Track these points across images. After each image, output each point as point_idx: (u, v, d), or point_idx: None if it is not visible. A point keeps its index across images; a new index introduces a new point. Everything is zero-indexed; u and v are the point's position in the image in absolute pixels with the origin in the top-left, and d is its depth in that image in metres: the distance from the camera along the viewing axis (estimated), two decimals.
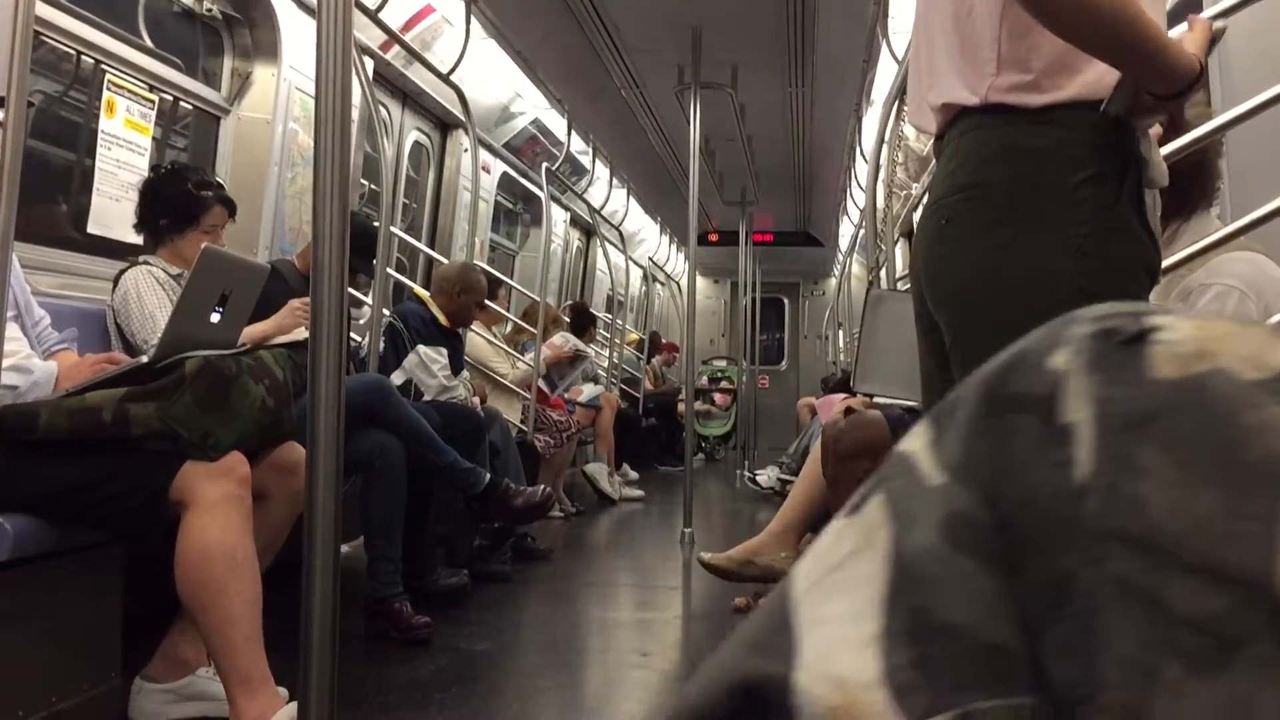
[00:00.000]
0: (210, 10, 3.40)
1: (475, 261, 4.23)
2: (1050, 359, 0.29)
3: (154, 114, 3.09)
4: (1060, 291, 1.07)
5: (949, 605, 0.28)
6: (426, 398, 3.26)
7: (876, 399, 2.51)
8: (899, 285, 3.12)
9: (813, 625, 0.29)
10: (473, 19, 4.02)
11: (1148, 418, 0.27)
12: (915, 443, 0.31)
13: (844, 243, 8.19)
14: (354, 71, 1.38)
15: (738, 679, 0.29)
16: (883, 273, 3.29)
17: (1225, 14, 1.68)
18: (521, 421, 4.41)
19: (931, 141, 1.29)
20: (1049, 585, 0.27)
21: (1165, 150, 1.39)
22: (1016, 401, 0.29)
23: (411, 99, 4.89)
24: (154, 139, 3.11)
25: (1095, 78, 1.09)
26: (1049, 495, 0.28)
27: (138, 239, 2.56)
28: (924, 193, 2.88)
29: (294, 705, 1.52)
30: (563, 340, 5.42)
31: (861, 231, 5.60)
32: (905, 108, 3.09)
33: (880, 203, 3.56)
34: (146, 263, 2.40)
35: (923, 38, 1.29)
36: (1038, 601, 0.27)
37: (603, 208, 7.00)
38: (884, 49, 3.65)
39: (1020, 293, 1.09)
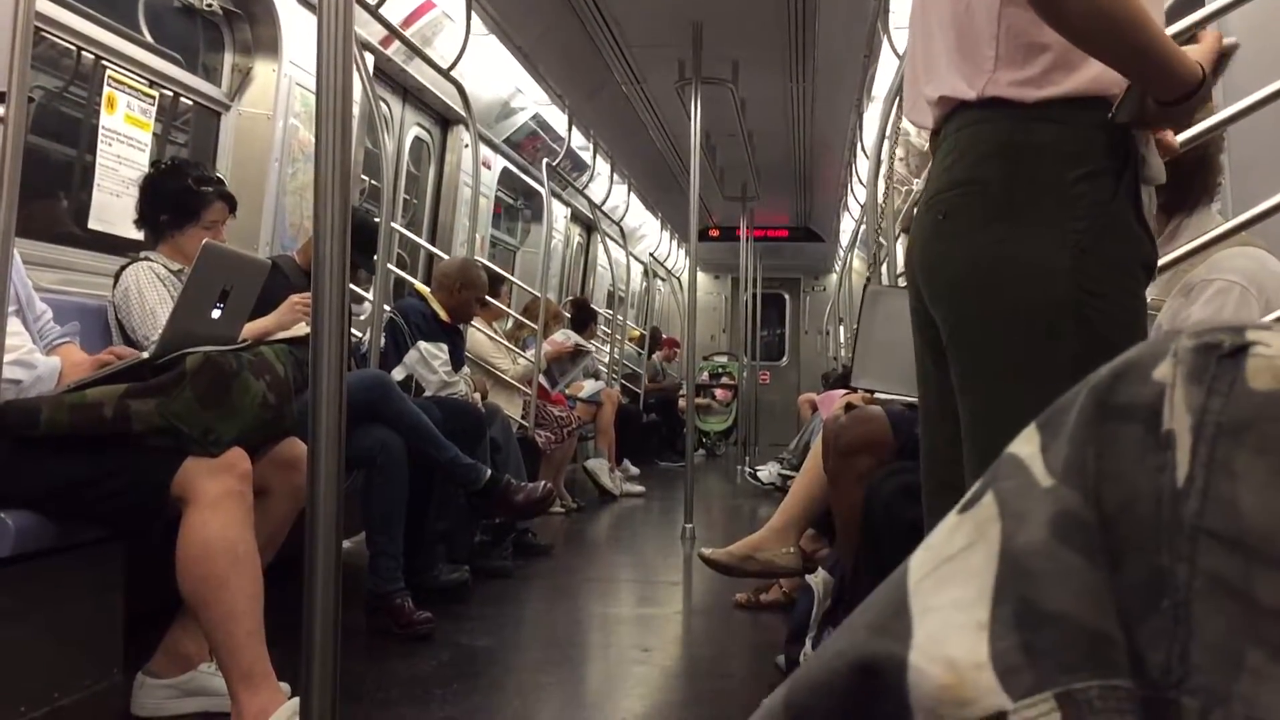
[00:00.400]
0: (210, 6, 3.39)
1: (476, 257, 4.23)
2: (1156, 370, 0.32)
3: (154, 110, 3.09)
4: (1056, 288, 1.07)
5: (1056, 596, 0.30)
6: (427, 393, 3.27)
7: (878, 394, 2.51)
8: (899, 281, 3.11)
9: (926, 611, 0.32)
10: (473, 14, 4.01)
11: (1243, 426, 0.29)
12: (1026, 447, 0.34)
13: (845, 238, 8.18)
14: (355, 67, 1.38)
15: (859, 657, 0.32)
16: (883, 268, 3.28)
17: (1225, 10, 1.68)
18: (522, 417, 4.42)
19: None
20: (1147, 581, 0.29)
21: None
22: (1123, 410, 0.32)
23: (412, 94, 4.89)
24: (154, 135, 3.11)
25: (1094, 74, 1.08)
26: (1149, 497, 0.30)
27: (138, 235, 2.57)
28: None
29: (295, 700, 1.53)
30: (564, 336, 5.43)
31: (863, 227, 5.59)
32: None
33: (881, 198, 3.55)
34: (147, 258, 2.40)
35: (919, 33, 1.28)
36: (1136, 596, 0.29)
37: (603, 203, 6.99)
38: (885, 44, 3.64)
39: (1016, 289, 1.09)
